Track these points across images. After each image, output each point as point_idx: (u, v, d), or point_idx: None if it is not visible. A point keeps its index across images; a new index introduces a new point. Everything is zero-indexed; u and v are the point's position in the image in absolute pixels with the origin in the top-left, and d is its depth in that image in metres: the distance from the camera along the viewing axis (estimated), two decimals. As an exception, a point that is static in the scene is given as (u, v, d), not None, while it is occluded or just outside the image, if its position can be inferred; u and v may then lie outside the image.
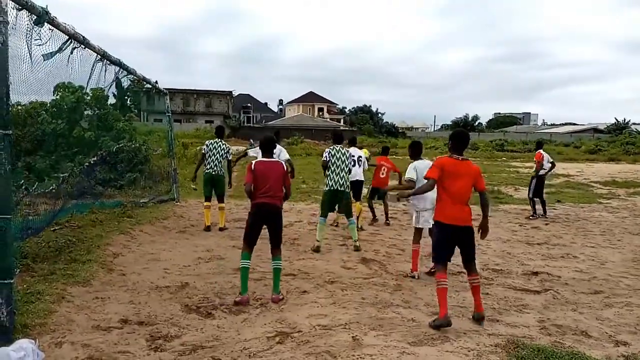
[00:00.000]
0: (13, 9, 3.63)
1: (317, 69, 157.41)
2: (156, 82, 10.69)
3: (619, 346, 3.96)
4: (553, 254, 7.31)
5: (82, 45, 5.11)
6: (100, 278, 5.19)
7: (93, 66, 5.75)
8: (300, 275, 5.74)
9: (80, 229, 7.20)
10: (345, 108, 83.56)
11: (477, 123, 78.36)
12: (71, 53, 4.92)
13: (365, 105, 77.00)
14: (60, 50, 4.82)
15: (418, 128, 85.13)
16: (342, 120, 72.41)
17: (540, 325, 4.35)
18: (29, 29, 3.92)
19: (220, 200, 8.53)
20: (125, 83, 9.81)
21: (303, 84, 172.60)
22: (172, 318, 4.22)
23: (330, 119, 72.18)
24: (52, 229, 6.81)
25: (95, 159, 8.21)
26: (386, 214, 9.58)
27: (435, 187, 4.51)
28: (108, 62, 6.18)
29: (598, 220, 10.58)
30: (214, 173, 8.32)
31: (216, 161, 8.32)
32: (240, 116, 71.75)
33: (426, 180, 4.56)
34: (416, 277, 5.85)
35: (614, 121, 64.47)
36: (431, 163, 5.01)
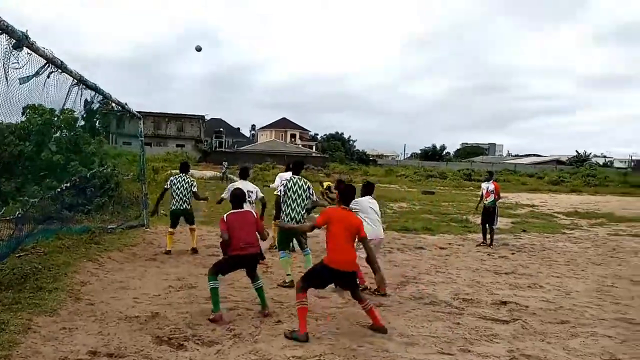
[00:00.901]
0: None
1: (290, 96, 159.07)
2: (125, 104, 10.60)
3: (584, 376, 4.08)
4: (520, 283, 7.51)
5: (59, 70, 5.07)
6: (67, 307, 5.04)
7: (69, 91, 5.70)
8: (274, 304, 5.71)
9: (47, 255, 7.00)
10: (318, 135, 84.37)
11: (444, 152, 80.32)
12: (48, 77, 4.88)
13: (337, 132, 77.99)
14: (37, 74, 4.79)
15: (388, 156, 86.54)
16: (314, 147, 72.95)
17: (509, 355, 4.44)
18: (6, 52, 3.88)
19: (191, 223, 8.69)
20: (95, 105, 9.75)
21: (276, 110, 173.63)
22: (142, 350, 4.11)
23: (303, 145, 72.64)
24: (17, 255, 6.60)
25: (67, 184, 8.01)
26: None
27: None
28: (84, 86, 6.14)
29: (562, 250, 10.93)
30: (181, 208, 8.43)
31: (182, 196, 8.40)
32: (212, 140, 71.42)
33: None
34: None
35: (575, 153, 67.30)
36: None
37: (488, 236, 11.01)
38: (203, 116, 65.40)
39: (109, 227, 9.83)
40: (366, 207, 6.56)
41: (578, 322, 5.63)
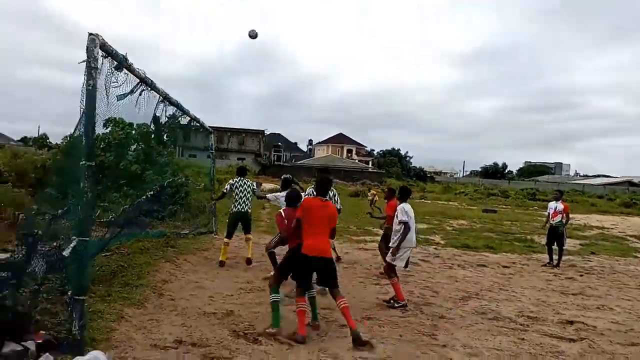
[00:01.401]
0: (100, 56, 4.14)
1: (347, 112, 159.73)
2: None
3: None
4: (588, 304, 7.30)
5: (148, 88, 5.65)
6: (152, 301, 5.54)
7: (156, 107, 6.31)
8: (336, 310, 5.93)
9: (129, 255, 7.63)
10: (374, 150, 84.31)
11: (506, 170, 77.80)
12: (140, 94, 5.46)
13: (393, 149, 77.74)
14: (132, 92, 5.36)
15: (446, 173, 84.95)
16: (370, 162, 72.95)
17: (577, 371, 4.43)
18: (109, 73, 4.42)
19: (248, 231, 8.78)
20: (163, 119, 10.50)
21: (332, 126, 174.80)
22: (222, 342, 4.49)
23: (359, 160, 72.82)
24: (103, 254, 7.25)
25: (151, 192, 8.73)
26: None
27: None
28: (168, 102, 6.75)
29: (634, 274, 10.42)
30: (243, 211, 8.47)
31: (245, 199, 8.47)
32: (271, 154, 73.24)
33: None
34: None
35: (649, 175, 63.06)
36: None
37: (555, 256, 10.70)
38: (263, 131, 67.31)
39: (182, 232, 10.50)
40: (412, 214, 6.72)
41: (651, 346, 5.45)
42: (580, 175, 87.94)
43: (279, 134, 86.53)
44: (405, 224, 6.53)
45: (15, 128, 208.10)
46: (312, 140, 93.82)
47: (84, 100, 3.97)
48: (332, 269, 5.08)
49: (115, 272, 6.42)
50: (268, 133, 71.80)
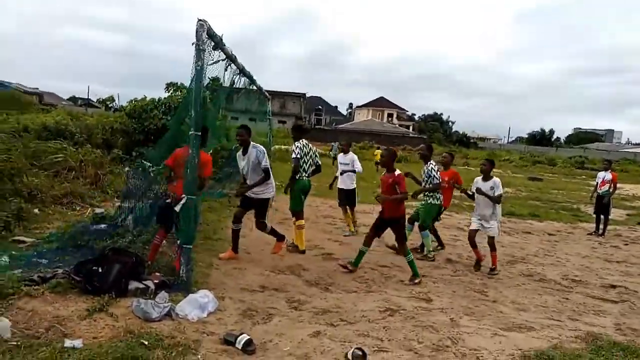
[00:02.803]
0: (205, 38, 4.70)
1: (388, 75, 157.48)
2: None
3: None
4: (632, 271, 7.63)
5: (232, 63, 6.23)
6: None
7: (232, 79, 6.94)
8: (394, 267, 6.55)
9: (201, 213, 8.45)
10: (415, 115, 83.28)
11: (554, 137, 75.47)
12: (225, 69, 6.06)
13: (435, 113, 76.62)
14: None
15: (490, 139, 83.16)
16: (411, 127, 72.31)
17: (616, 327, 4.89)
18: (209, 52, 4.99)
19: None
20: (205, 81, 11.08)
21: (372, 89, 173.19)
22: (298, 288, 5.22)
23: (400, 125, 72.28)
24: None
25: (222, 160, 9.48)
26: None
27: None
28: (242, 74, 7.35)
29: (682, 245, 10.52)
30: (308, 182, 7.16)
31: (309, 166, 7.10)
32: (311, 118, 73.68)
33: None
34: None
35: None
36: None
37: (601, 226, 10.91)
38: (304, 94, 67.63)
39: (241, 193, 11.29)
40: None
41: (691, 310, 5.80)
42: (632, 144, 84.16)
43: (319, 97, 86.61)
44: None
45: (63, 86, 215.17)
46: (352, 104, 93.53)
47: (193, 78, 4.59)
48: None
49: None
50: (309, 96, 72.03)
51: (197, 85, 4.60)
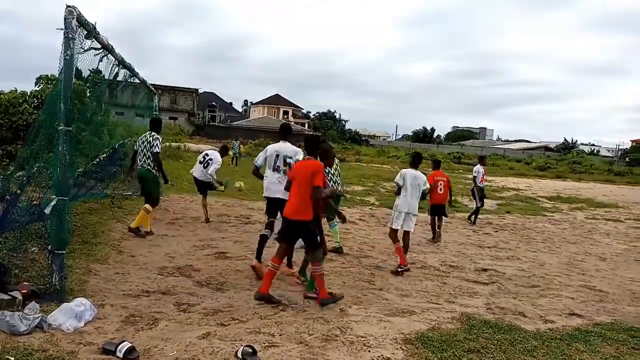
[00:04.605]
0: (75, 26, 4.32)
1: (283, 72, 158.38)
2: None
3: (547, 323, 5.03)
4: (500, 255, 8.49)
5: (108, 53, 5.80)
6: (114, 258, 5.90)
7: (110, 70, 6.46)
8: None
9: (80, 215, 7.80)
10: (310, 113, 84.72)
11: (435, 135, 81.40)
12: (100, 60, 5.62)
13: (329, 111, 78.55)
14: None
15: (380, 136, 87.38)
16: (306, 125, 73.47)
17: (486, 306, 5.39)
18: (80, 41, 4.60)
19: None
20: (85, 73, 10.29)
21: (268, 86, 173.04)
22: (188, 289, 5.01)
23: (295, 122, 73.07)
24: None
25: (104, 156, 8.80)
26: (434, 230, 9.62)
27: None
28: (122, 66, 6.88)
29: (541, 230, 11.96)
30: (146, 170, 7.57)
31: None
32: (205, 114, 71.59)
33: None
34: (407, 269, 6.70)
35: (563, 140, 68.75)
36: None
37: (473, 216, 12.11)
38: (197, 89, 65.46)
39: (125, 193, 10.62)
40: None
41: (547, 287, 6.60)
42: (502, 140, 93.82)
43: (213, 93, 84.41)
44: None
45: None
46: (247, 101, 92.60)
47: (62, 68, 4.17)
48: None
49: (71, 231, 6.62)
50: (202, 92, 69.92)
51: (66, 76, 4.20)
